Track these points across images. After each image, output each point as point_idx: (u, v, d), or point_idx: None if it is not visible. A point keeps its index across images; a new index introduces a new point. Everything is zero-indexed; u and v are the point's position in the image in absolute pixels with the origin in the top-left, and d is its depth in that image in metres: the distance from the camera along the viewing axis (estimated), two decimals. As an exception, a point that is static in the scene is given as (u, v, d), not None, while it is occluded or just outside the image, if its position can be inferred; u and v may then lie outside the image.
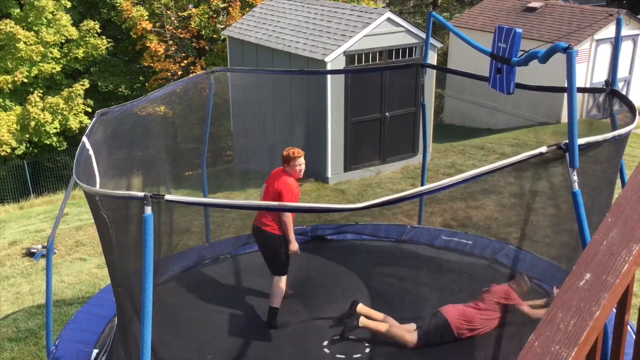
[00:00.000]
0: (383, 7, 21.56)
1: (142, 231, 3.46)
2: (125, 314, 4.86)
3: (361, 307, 5.46)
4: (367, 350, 5.25)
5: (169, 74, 19.09)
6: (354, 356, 5.17)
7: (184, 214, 6.40)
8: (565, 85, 3.90)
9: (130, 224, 4.09)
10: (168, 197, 3.43)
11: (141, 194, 3.45)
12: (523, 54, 4.56)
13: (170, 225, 5.20)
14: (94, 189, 4.10)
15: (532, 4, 17.61)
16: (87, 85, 19.14)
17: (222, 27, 18.82)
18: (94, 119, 5.34)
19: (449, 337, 5.27)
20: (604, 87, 4.93)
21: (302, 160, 5.61)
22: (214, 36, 19.54)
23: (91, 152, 4.83)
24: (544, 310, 5.16)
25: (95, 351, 5.35)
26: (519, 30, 4.65)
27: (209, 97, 6.82)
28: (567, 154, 3.82)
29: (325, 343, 5.31)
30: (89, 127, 5.19)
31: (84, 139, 4.88)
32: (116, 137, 5.95)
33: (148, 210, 3.43)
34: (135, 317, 4.63)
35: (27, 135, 17.99)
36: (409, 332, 5.27)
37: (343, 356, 5.15)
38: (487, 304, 5.34)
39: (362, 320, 5.32)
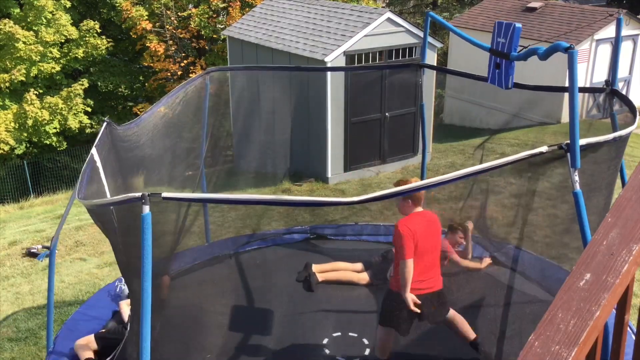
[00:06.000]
0: (383, 7, 21.55)
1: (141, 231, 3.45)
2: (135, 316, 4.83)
3: (315, 267, 6.11)
4: (367, 352, 5.24)
5: (169, 74, 19.09)
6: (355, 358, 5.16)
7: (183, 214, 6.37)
8: (566, 85, 3.88)
9: (133, 227, 4.06)
10: (165, 194, 3.42)
11: (138, 194, 3.44)
12: (523, 50, 4.54)
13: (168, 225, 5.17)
14: (88, 202, 4.00)
15: (532, 4, 17.61)
16: (86, 85, 19.11)
17: (222, 27, 18.81)
18: (102, 129, 5.25)
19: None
20: (604, 87, 4.93)
21: None
22: (214, 36, 19.53)
23: (99, 163, 4.77)
24: (473, 263, 6.08)
25: None
26: (518, 25, 4.63)
27: (205, 98, 6.81)
28: (568, 154, 3.80)
29: (325, 341, 5.31)
30: (97, 138, 5.09)
31: (93, 150, 4.80)
32: (120, 143, 5.89)
33: (146, 209, 3.43)
34: (135, 317, 4.61)
35: (26, 135, 17.97)
36: (359, 274, 6.16)
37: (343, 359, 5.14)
38: None
39: (321, 276, 6.05)
